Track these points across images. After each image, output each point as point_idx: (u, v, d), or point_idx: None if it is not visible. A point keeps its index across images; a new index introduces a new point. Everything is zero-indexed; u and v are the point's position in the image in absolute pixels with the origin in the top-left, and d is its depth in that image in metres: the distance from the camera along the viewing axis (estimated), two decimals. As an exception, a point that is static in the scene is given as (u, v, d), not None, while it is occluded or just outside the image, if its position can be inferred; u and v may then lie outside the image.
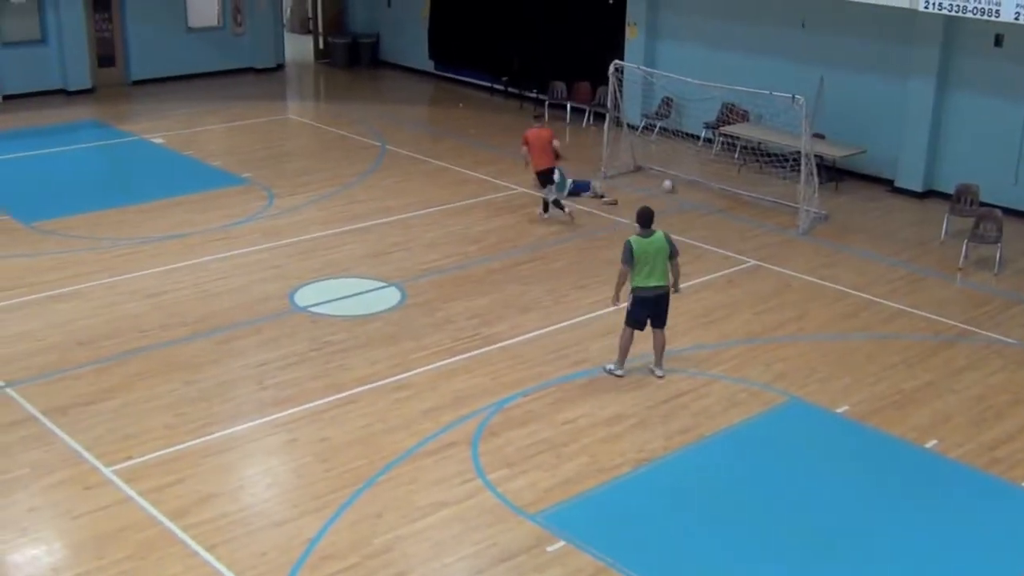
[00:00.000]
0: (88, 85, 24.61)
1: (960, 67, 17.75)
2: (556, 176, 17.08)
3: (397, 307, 13.65)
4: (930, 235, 16.60)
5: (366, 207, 17.35)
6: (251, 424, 10.86)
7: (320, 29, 29.40)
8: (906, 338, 13.12)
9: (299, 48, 29.84)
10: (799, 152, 17.16)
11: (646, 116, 21.54)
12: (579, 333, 12.99)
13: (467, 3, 25.93)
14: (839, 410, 11.42)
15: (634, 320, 11.80)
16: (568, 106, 23.04)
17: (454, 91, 26.07)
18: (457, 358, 12.31)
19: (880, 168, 18.92)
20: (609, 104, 19.50)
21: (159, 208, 17.10)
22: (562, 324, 13.23)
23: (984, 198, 16.59)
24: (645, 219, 11.70)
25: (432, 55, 27.17)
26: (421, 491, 9.77)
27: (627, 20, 22.18)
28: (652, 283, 11.62)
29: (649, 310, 11.72)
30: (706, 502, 9.83)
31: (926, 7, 16.11)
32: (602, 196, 17.95)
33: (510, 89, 25.08)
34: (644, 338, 11.92)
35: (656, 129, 21.30)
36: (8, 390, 11.37)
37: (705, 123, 20.73)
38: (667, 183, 18.63)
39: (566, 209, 16.73)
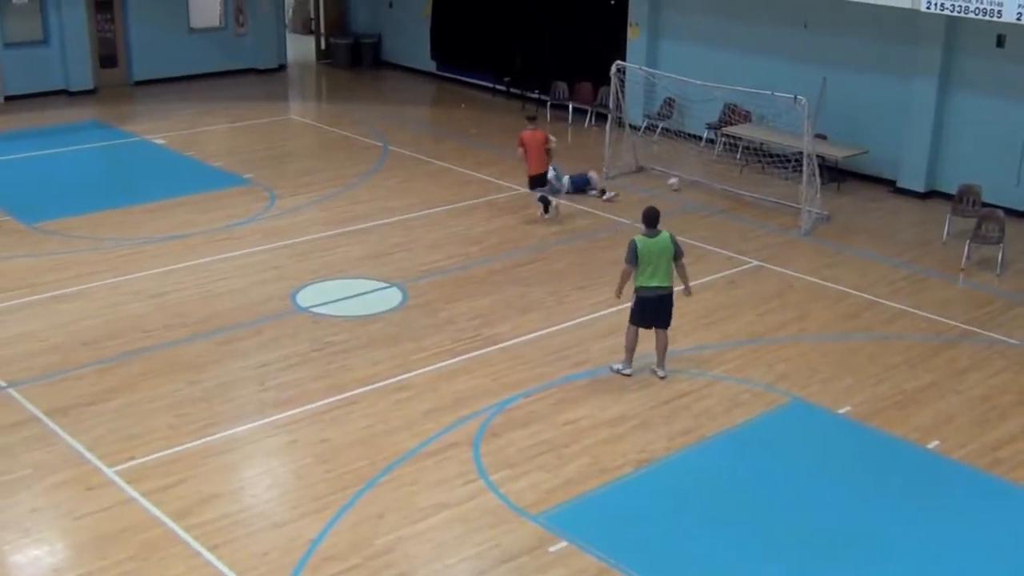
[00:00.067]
0: (90, 86, 24.63)
1: (962, 68, 17.74)
2: (552, 174, 17.11)
3: (398, 308, 13.65)
4: (932, 236, 16.59)
5: (367, 208, 17.35)
6: (253, 425, 10.87)
7: (322, 29, 29.42)
8: (908, 339, 13.11)
9: (301, 49, 29.85)
10: (801, 153, 17.15)
11: (648, 117, 21.53)
12: (580, 334, 12.99)
13: (469, 4, 25.94)
14: (841, 411, 11.41)
15: (637, 319, 11.80)
16: (570, 107, 23.05)
17: (456, 91, 26.07)
18: (458, 359, 12.31)
19: (882, 169, 18.92)
20: (611, 105, 19.52)
21: (161, 209, 17.11)
22: (563, 325, 13.23)
23: (986, 199, 16.59)
24: (651, 219, 11.70)
25: (434, 55, 27.18)
26: (423, 492, 9.77)
27: (629, 20, 22.18)
28: (655, 283, 11.62)
29: (651, 310, 11.72)
30: (708, 503, 9.83)
31: (928, 7, 16.11)
32: (603, 191, 17.97)
33: (512, 90, 25.08)
34: (646, 338, 11.92)
35: (658, 130, 21.30)
36: (10, 391, 11.38)
37: (707, 124, 20.72)
38: (673, 180, 18.67)
39: (553, 203, 16.77)
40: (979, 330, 13.35)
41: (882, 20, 18.15)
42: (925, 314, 13.77)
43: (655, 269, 11.58)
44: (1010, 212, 16.34)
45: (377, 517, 9.39)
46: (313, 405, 11.21)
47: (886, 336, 13.17)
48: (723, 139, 20.37)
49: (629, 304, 11.99)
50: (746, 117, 20.14)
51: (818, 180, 17.04)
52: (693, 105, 20.65)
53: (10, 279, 14.23)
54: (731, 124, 20.10)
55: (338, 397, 11.40)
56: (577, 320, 13.37)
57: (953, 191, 17.14)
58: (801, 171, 17.05)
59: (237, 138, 21.73)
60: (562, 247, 15.83)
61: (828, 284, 14.67)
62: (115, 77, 25.33)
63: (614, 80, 19.08)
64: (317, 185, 18.45)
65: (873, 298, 14.24)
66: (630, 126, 20.03)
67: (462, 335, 12.89)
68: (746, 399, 11.57)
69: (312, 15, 30.35)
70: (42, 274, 14.45)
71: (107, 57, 25.20)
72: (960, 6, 15.70)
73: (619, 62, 19.29)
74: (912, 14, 17.15)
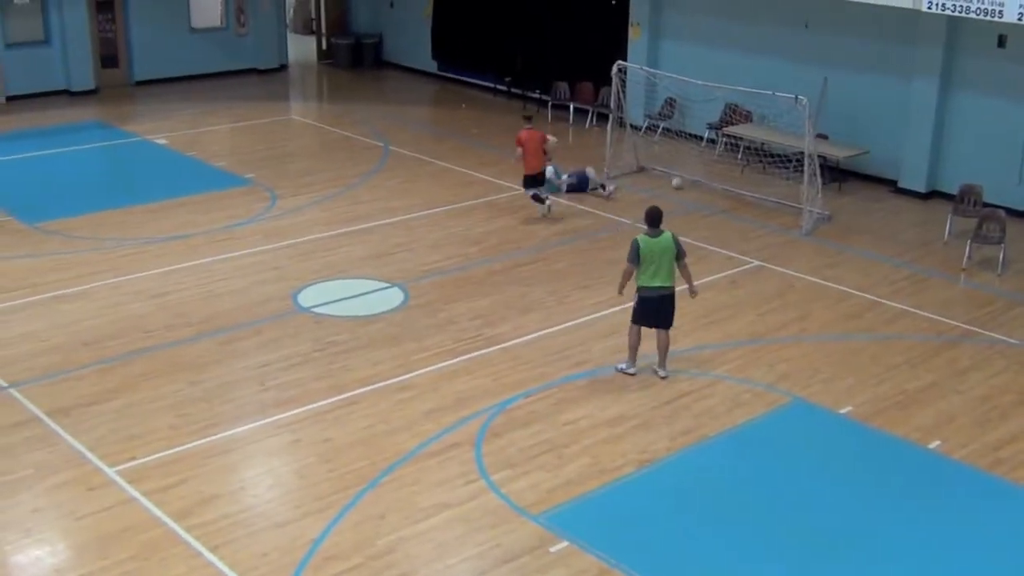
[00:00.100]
0: (91, 86, 24.64)
1: (963, 68, 17.73)
2: (549, 172, 17.10)
3: (400, 308, 13.66)
4: (933, 236, 16.58)
5: (369, 208, 17.35)
6: (254, 425, 10.87)
7: (323, 30, 29.43)
8: (909, 339, 13.11)
9: (302, 49, 29.86)
10: (802, 153, 17.14)
11: (649, 117, 21.53)
12: (581, 334, 12.99)
13: (470, 4, 25.94)
14: (842, 411, 11.41)
15: (639, 319, 11.81)
16: (571, 107, 23.06)
17: (457, 92, 26.07)
18: (459, 359, 12.32)
19: (883, 169, 18.91)
20: (612, 105, 19.52)
21: (162, 209, 17.12)
22: (564, 325, 13.23)
23: (987, 199, 16.58)
24: (653, 219, 11.70)
25: (435, 56, 27.18)
26: (424, 492, 9.77)
27: (630, 20, 22.18)
28: (656, 283, 11.62)
29: (653, 310, 11.73)
30: (709, 503, 9.83)
31: (929, 7, 16.10)
32: (602, 187, 17.97)
33: (513, 90, 25.08)
34: (648, 338, 11.92)
35: (659, 130, 21.28)
36: (12, 391, 11.39)
37: (708, 124, 20.72)
38: (676, 180, 18.68)
39: (546, 201, 16.78)
40: (980, 330, 13.35)
41: (883, 20, 18.15)
42: (926, 314, 13.77)
43: (657, 269, 11.58)
44: (1011, 212, 16.33)
45: (378, 517, 9.39)
46: (314, 405, 11.22)
47: (887, 336, 13.17)
48: (724, 139, 20.37)
49: (629, 304, 12.01)
50: (747, 117, 20.14)
51: (819, 180, 17.04)
52: (694, 105, 20.65)
53: (11, 279, 14.24)
54: (732, 124, 20.10)
55: (339, 397, 11.40)
56: (578, 320, 13.37)
57: (954, 191, 17.13)
58: (802, 171, 17.05)
59: (238, 138, 21.74)
60: (563, 247, 15.83)
61: (829, 284, 14.67)
62: (116, 77, 25.34)
63: (615, 80, 19.09)
64: (318, 185, 18.45)
65: (874, 298, 14.24)
66: (631, 126, 20.02)
67: (463, 335, 12.89)
68: (747, 399, 11.57)
69: (313, 15, 30.36)
70: (43, 274, 14.45)
71: (108, 57, 25.21)
72: (961, 6, 15.70)
73: (620, 62, 19.30)
74: (913, 14, 17.15)
